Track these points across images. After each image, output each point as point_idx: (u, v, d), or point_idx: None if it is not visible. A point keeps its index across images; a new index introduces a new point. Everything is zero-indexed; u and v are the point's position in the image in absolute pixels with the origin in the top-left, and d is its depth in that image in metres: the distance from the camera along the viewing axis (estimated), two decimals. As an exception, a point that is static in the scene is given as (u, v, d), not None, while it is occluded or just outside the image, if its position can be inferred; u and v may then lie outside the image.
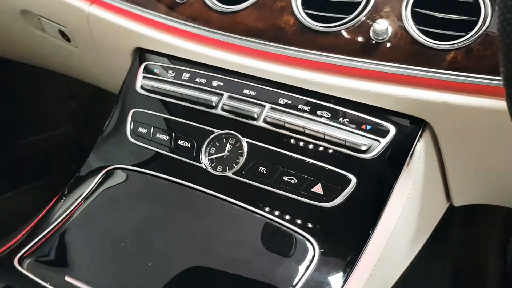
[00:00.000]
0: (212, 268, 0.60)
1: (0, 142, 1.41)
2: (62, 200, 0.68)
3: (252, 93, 0.70)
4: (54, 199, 0.68)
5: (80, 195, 0.67)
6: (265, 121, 0.67)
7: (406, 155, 0.63)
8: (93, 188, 0.68)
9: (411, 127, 0.64)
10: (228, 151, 0.67)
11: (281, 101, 0.68)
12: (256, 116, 0.68)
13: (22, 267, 0.56)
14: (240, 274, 0.59)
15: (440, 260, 0.97)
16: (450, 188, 0.73)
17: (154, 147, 0.71)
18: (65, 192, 0.68)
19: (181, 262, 0.60)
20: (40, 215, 0.65)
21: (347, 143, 0.64)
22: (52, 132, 1.49)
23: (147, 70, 0.77)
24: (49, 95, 1.46)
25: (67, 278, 0.52)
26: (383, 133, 0.64)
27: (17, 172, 1.39)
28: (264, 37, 0.69)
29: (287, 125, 0.66)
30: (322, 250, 0.59)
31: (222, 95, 0.70)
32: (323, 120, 0.65)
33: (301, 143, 0.65)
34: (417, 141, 0.64)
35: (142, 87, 0.76)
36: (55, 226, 0.62)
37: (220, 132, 0.69)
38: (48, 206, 0.67)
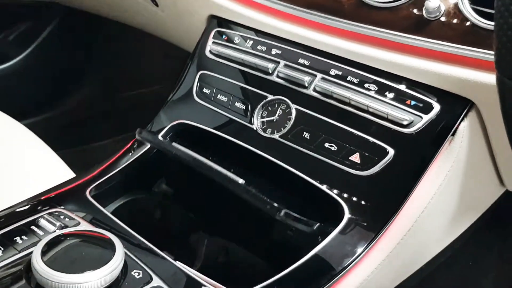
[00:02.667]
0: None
1: (102, 95, 1.58)
2: (134, 146, 0.78)
3: (306, 62, 0.74)
4: (128, 145, 0.79)
5: (148, 144, 0.77)
6: (314, 90, 0.71)
7: (447, 133, 0.64)
8: (159, 139, 0.77)
9: (456, 106, 0.64)
10: (278, 115, 0.73)
11: (332, 72, 0.71)
12: (307, 85, 0.72)
13: (91, 197, 0.67)
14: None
15: (496, 245, 0.95)
16: (500, 171, 0.72)
17: (214, 106, 0.78)
18: (135, 141, 0.78)
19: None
20: (114, 158, 0.76)
21: (389, 117, 0.66)
22: (147, 88, 1.63)
23: (216, 36, 0.84)
24: (147, 55, 1.60)
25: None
26: (427, 109, 0.65)
27: (114, 122, 1.55)
28: (322, 9, 0.73)
29: (334, 95, 0.70)
30: (351, 216, 0.63)
31: (278, 63, 0.75)
32: (369, 92, 0.68)
33: (345, 113, 0.69)
34: (461, 121, 0.64)
35: (210, 51, 0.83)
36: (123, 168, 0.73)
37: (273, 97, 0.74)
38: (122, 151, 0.78)
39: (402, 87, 0.67)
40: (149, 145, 0.75)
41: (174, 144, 0.73)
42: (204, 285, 0.56)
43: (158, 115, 0.81)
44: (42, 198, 0.64)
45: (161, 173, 0.78)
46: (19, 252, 0.54)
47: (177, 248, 0.73)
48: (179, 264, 0.58)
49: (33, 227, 0.57)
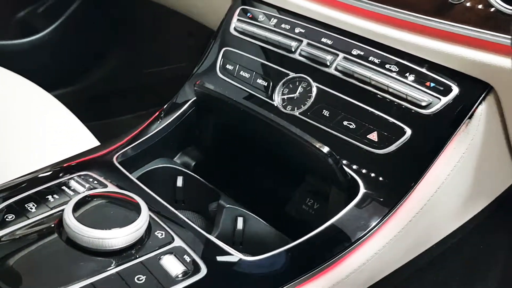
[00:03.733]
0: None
1: (126, 71, 1.62)
2: (161, 116, 0.80)
3: (329, 42, 0.75)
4: (153, 117, 0.81)
5: (173, 115, 0.80)
6: (336, 69, 0.73)
7: (464, 116, 0.65)
8: (184, 111, 0.80)
9: (475, 89, 0.65)
10: (299, 93, 0.75)
11: (354, 52, 0.73)
12: (328, 64, 0.74)
13: (118, 163, 0.70)
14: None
15: (509, 229, 0.96)
16: (516, 156, 0.73)
17: (237, 82, 0.80)
18: (162, 112, 0.81)
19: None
20: (141, 127, 0.79)
21: (408, 97, 0.67)
22: (170, 66, 1.66)
23: (241, 14, 0.86)
24: (172, 32, 1.63)
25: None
26: (446, 91, 0.66)
27: (137, 98, 1.59)
28: (346, -11, 0.74)
29: (355, 75, 0.71)
30: (366, 191, 0.65)
31: (301, 41, 0.77)
32: (389, 73, 0.69)
33: (365, 93, 0.70)
34: (479, 104, 0.65)
35: (235, 28, 0.85)
36: (148, 137, 0.76)
37: (294, 75, 0.76)
38: (147, 122, 0.80)
39: (423, 69, 0.68)
40: (174, 116, 0.78)
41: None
42: (224, 250, 0.58)
43: (183, 88, 0.83)
44: (73, 162, 0.68)
45: (185, 143, 0.81)
46: (51, 209, 0.57)
47: (197, 215, 0.77)
48: (199, 229, 0.61)
49: (64, 188, 0.61)
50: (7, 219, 0.55)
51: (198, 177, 0.77)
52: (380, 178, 0.66)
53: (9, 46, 1.37)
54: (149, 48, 1.62)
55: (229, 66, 0.82)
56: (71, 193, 0.60)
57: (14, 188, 0.62)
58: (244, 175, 0.79)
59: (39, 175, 0.65)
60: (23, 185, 0.62)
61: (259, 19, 0.83)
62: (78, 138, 0.88)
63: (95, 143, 0.87)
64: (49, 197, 0.59)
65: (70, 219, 0.52)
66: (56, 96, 1.00)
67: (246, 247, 0.71)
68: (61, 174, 0.64)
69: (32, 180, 0.64)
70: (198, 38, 1.57)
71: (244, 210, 0.72)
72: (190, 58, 1.57)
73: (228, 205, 0.72)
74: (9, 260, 0.51)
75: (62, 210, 0.54)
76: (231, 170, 0.80)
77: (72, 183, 0.62)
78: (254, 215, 0.71)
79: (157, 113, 0.79)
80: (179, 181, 0.77)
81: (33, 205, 0.57)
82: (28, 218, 0.56)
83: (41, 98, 0.99)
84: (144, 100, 1.53)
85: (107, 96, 1.56)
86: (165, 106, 0.81)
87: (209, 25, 1.06)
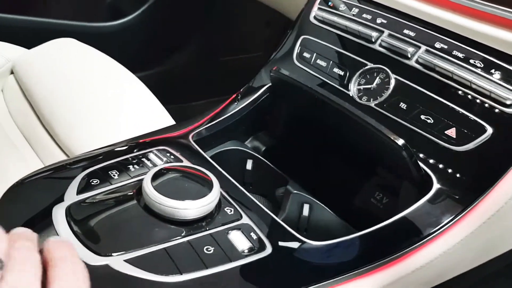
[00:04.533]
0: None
1: (204, 57, 1.67)
2: (238, 98, 0.83)
3: (411, 33, 0.74)
4: (230, 99, 0.84)
5: (248, 99, 0.82)
6: (417, 61, 0.71)
7: (553, 117, 0.62)
8: (259, 96, 0.82)
9: None
10: (376, 84, 0.74)
11: (437, 45, 0.71)
12: (409, 56, 0.72)
13: (194, 141, 0.73)
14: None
15: None
16: None
17: (313, 71, 0.81)
18: (239, 95, 0.83)
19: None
20: (218, 109, 0.81)
21: (492, 94, 0.64)
22: (246, 55, 1.69)
23: (322, 2, 0.86)
24: (249, 22, 1.66)
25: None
26: (533, 90, 0.63)
27: (213, 84, 1.63)
28: (434, -19, 0.72)
29: (437, 68, 0.69)
30: (440, 187, 0.64)
31: (382, 32, 0.76)
32: (473, 68, 0.67)
33: (446, 87, 0.68)
34: None
35: (315, 17, 0.85)
36: (223, 119, 0.78)
37: (373, 66, 0.75)
38: (224, 104, 0.83)
39: (510, 66, 0.65)
40: (249, 100, 0.80)
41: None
42: (290, 233, 0.59)
43: (259, 73, 0.85)
44: (153, 138, 0.72)
45: (257, 127, 0.83)
46: (131, 178, 0.61)
47: (263, 198, 0.79)
48: (267, 210, 0.62)
49: (143, 159, 0.65)
50: (92, 183, 0.60)
51: (268, 162, 0.79)
52: (456, 175, 0.64)
53: (100, 28, 1.46)
54: (227, 36, 1.65)
55: (306, 54, 0.83)
56: (150, 164, 0.64)
57: (100, 156, 0.66)
58: (313, 163, 0.80)
59: (123, 147, 0.70)
60: (108, 155, 0.67)
61: (340, 8, 0.83)
62: (158, 118, 0.93)
63: (172, 123, 0.91)
64: (130, 166, 0.63)
65: (149, 188, 0.55)
66: (139, 77, 1.06)
67: (311, 234, 0.72)
68: (141, 148, 0.68)
69: (117, 151, 0.68)
70: (275, 28, 1.59)
71: (311, 198, 0.72)
72: (266, 48, 1.60)
73: (295, 191, 0.73)
74: (91, 220, 0.55)
75: (142, 179, 0.57)
76: (300, 157, 0.80)
77: (151, 156, 0.65)
78: (321, 203, 0.72)
79: (233, 96, 0.82)
80: (249, 164, 0.78)
81: (116, 173, 0.62)
82: (111, 184, 0.60)
83: (125, 78, 1.04)
84: (219, 87, 1.57)
85: (185, 80, 1.62)
86: (241, 89, 0.83)
87: (287, 14, 1.07)
